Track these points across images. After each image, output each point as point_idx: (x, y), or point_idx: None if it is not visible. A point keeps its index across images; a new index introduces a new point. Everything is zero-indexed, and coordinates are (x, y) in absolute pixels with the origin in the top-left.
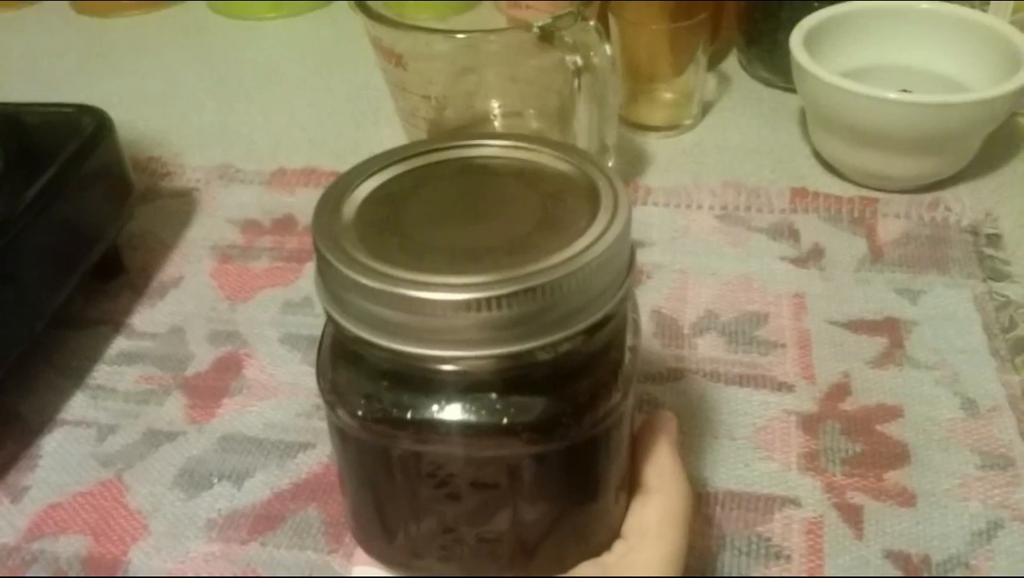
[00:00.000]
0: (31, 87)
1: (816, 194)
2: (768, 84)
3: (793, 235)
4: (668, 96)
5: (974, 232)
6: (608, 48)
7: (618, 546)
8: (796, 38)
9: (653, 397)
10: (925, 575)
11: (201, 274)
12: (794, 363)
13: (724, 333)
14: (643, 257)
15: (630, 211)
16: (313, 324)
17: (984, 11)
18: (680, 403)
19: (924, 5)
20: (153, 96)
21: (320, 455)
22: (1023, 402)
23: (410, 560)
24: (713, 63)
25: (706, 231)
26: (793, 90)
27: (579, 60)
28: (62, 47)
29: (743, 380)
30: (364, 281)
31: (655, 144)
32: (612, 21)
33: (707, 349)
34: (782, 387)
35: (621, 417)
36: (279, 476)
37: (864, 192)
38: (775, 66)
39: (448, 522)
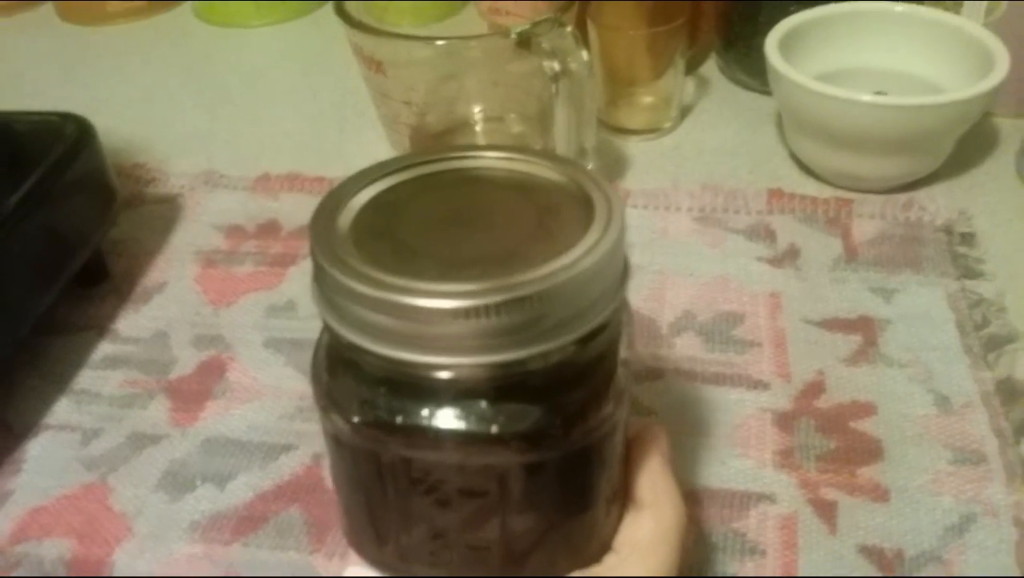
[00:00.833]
0: (16, 95)
1: (792, 195)
2: (746, 87)
3: (769, 236)
4: (647, 100)
5: (948, 231)
6: (585, 53)
7: (609, 559)
8: (771, 42)
9: (633, 397)
10: (898, 569)
11: (185, 279)
12: (770, 362)
13: (701, 333)
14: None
15: (624, 223)
16: (297, 328)
17: (957, 14)
18: (659, 403)
19: (898, 8)
20: (139, 103)
21: (302, 457)
22: (995, 398)
23: (401, 565)
24: (692, 67)
25: (684, 232)
26: (771, 93)
27: (556, 65)
28: (48, 55)
29: (720, 379)
30: (357, 287)
31: (634, 147)
32: (591, 26)
33: (685, 349)
34: (758, 385)
35: (613, 429)
36: (262, 478)
37: (840, 193)
38: (753, 69)
39: (437, 529)
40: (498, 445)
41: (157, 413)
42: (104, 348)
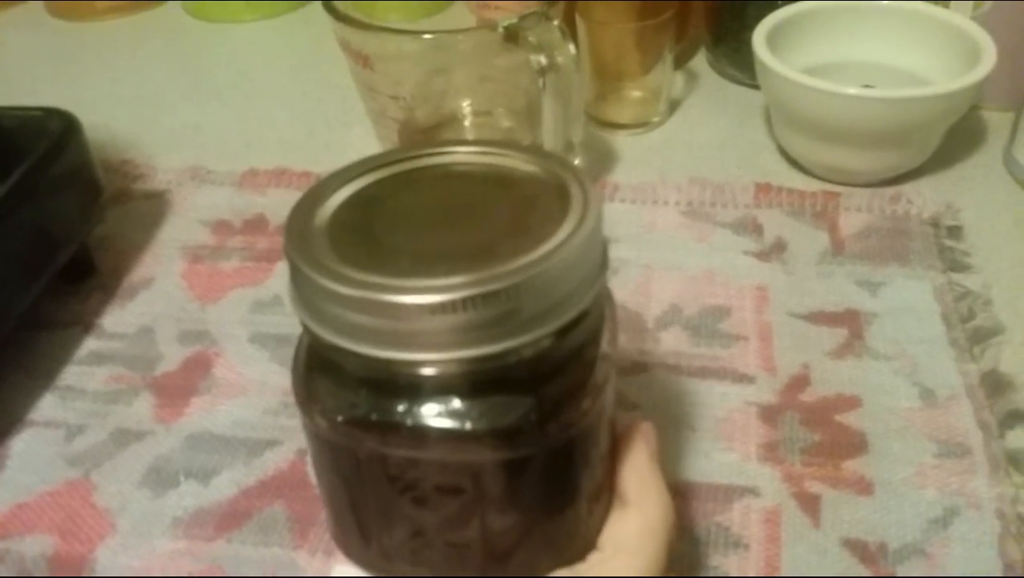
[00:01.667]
0: (5, 91)
1: (780, 189)
2: (735, 81)
3: (757, 229)
4: (636, 94)
5: (935, 224)
6: (572, 47)
7: (593, 557)
8: (759, 35)
9: (618, 391)
10: (881, 562)
11: (171, 275)
12: (755, 355)
13: (688, 327)
14: (610, 253)
15: (600, 214)
16: (282, 323)
17: (945, 7)
18: (643, 397)
19: (886, 2)
20: (127, 99)
21: (287, 452)
22: (980, 391)
23: (385, 564)
24: (681, 61)
25: (672, 226)
26: (759, 87)
27: (543, 60)
28: (37, 51)
29: (705, 372)
30: (329, 284)
31: (623, 142)
32: (579, 20)
33: (671, 343)
34: (743, 379)
35: (593, 425)
36: (246, 474)
37: (827, 186)
38: (741, 64)
39: (417, 527)
40: (472, 441)
41: (142, 409)
42: (89, 344)
